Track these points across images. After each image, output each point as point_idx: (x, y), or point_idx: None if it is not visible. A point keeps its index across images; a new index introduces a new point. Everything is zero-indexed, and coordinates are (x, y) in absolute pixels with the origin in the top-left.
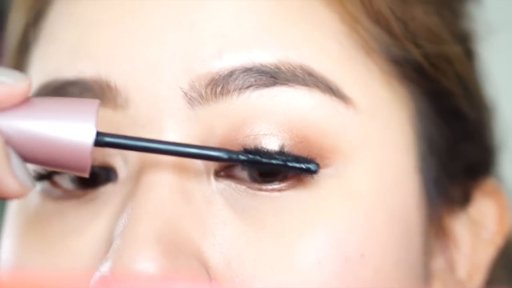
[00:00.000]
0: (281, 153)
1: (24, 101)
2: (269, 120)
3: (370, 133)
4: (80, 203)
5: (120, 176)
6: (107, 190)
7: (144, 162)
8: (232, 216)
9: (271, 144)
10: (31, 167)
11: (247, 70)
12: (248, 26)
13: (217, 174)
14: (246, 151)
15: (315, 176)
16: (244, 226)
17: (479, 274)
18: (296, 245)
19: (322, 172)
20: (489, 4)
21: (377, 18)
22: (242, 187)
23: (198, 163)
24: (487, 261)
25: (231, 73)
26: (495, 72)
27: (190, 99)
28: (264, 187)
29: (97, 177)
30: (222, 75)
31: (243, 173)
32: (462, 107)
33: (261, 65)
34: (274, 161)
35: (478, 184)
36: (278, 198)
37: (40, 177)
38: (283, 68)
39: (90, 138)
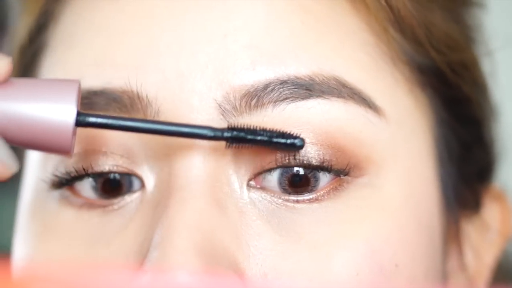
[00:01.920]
0: (265, 129)
1: (4, 82)
2: (306, 130)
3: (399, 142)
4: (105, 213)
5: (147, 185)
6: (134, 200)
7: (173, 171)
8: (266, 227)
9: (311, 153)
10: (51, 173)
11: (282, 83)
12: (280, 37)
13: (249, 185)
14: (230, 128)
15: (350, 185)
16: (280, 237)
17: (486, 273)
18: (333, 257)
19: (357, 181)
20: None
21: (403, 27)
22: (279, 200)
23: (230, 172)
24: (492, 261)
25: (266, 86)
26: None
27: (223, 111)
28: (300, 198)
29: (119, 186)
30: (257, 88)
31: (274, 183)
32: (477, 113)
33: (296, 77)
34: (259, 137)
35: (487, 188)
36: (314, 209)
37: (60, 184)
38: (317, 80)
39: (71, 118)
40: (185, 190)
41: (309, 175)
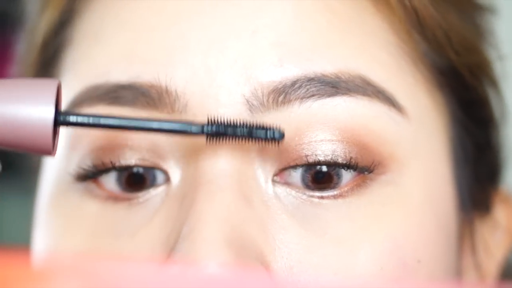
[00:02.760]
0: (244, 123)
1: None
2: (332, 127)
3: (420, 141)
4: (130, 206)
5: (173, 179)
6: (159, 193)
7: (200, 166)
8: (291, 221)
9: (337, 151)
10: (76, 165)
11: (310, 80)
12: (307, 35)
13: (274, 180)
14: (210, 123)
15: (373, 182)
16: (305, 232)
17: (495, 271)
18: (358, 252)
19: (380, 178)
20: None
21: (424, 28)
22: (304, 196)
23: (256, 167)
24: (502, 259)
25: (293, 83)
26: None
27: (251, 106)
28: (324, 194)
29: (143, 180)
30: (285, 84)
31: (297, 179)
32: (490, 114)
33: (322, 75)
34: (239, 132)
35: (496, 190)
36: (339, 205)
37: (85, 177)
38: (343, 77)
39: (50, 118)
40: (212, 183)
41: (332, 172)
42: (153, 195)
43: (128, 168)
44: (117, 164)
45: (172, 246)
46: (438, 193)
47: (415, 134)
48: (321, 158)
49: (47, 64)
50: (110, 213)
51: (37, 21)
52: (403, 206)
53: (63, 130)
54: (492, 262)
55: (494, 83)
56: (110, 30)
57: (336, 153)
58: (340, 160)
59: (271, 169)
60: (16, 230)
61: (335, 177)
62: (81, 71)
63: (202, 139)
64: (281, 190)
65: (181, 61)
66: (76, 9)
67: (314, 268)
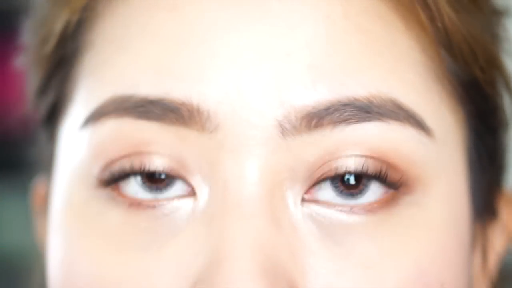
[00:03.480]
0: None
1: None
2: (363, 147)
3: (443, 160)
4: (155, 217)
5: (199, 195)
6: (183, 207)
7: (229, 186)
8: (319, 244)
9: (368, 165)
10: (96, 172)
11: (344, 105)
12: (339, 58)
13: (302, 199)
14: None
15: (399, 201)
16: (333, 255)
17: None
18: (386, 276)
19: (405, 199)
20: None
21: (451, 44)
22: (333, 213)
23: (285, 188)
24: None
25: (327, 108)
26: None
27: (283, 129)
28: (352, 203)
29: (165, 181)
30: (318, 109)
31: (326, 191)
32: (503, 121)
33: (355, 99)
34: None
35: (501, 193)
36: (366, 224)
37: (108, 182)
38: (375, 102)
39: None
40: (243, 207)
41: (360, 177)
42: (178, 207)
43: (153, 173)
44: (143, 168)
45: (200, 270)
46: (459, 211)
47: (440, 154)
48: (351, 169)
49: (63, 61)
50: (133, 224)
51: (51, 14)
52: (427, 228)
53: (83, 137)
54: (494, 257)
55: (509, 88)
56: (137, 39)
57: (365, 165)
58: (369, 172)
59: (300, 190)
60: (16, 230)
61: (363, 180)
62: (105, 78)
63: (232, 157)
64: (310, 210)
65: (213, 79)
66: (97, 10)
67: None
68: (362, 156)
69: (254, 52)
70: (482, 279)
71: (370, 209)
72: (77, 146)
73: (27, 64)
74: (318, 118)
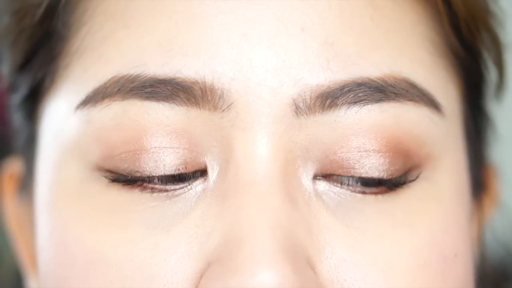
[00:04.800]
0: None
1: None
2: (377, 136)
3: (450, 135)
4: (164, 197)
5: (210, 174)
6: (194, 187)
7: (241, 164)
8: (333, 219)
9: (383, 165)
10: (92, 157)
11: (358, 85)
12: (353, 35)
13: (314, 177)
14: None
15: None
16: (347, 229)
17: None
18: (401, 247)
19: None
20: None
21: (456, 17)
22: (346, 192)
23: (297, 166)
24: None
25: (342, 88)
26: None
27: (297, 108)
28: (367, 190)
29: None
30: (333, 88)
31: (341, 181)
32: (487, 94)
33: (369, 79)
34: None
35: (487, 165)
36: (379, 200)
37: (119, 181)
38: (389, 81)
39: None
40: (258, 185)
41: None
42: (189, 188)
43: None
44: (157, 174)
45: (215, 250)
46: (463, 184)
47: (448, 130)
48: (367, 175)
49: (51, 35)
50: (141, 201)
51: None
52: (438, 201)
53: (80, 118)
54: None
55: (499, 60)
56: (142, 15)
57: (381, 168)
58: (385, 176)
59: (312, 167)
60: None
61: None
62: (106, 56)
63: (242, 134)
64: (322, 187)
65: (226, 56)
66: None
67: (360, 266)
68: (378, 152)
69: (267, 26)
70: (477, 249)
71: (380, 192)
72: (72, 126)
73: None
74: (333, 98)
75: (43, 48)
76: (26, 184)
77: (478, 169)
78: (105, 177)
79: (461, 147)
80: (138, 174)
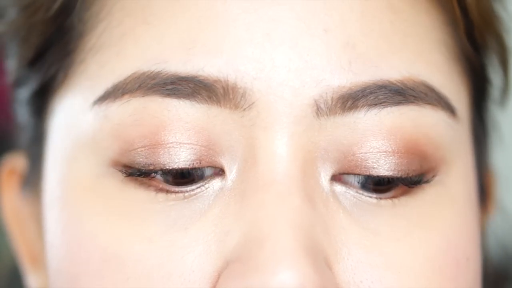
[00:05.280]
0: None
1: None
2: (396, 138)
3: (463, 140)
4: (182, 197)
5: (228, 173)
6: (211, 186)
7: (260, 162)
8: (349, 220)
9: (400, 165)
10: (109, 153)
11: (379, 88)
12: (374, 37)
13: (332, 178)
14: None
15: (426, 183)
16: (363, 230)
17: None
18: (417, 251)
19: (431, 179)
20: None
21: (469, 20)
22: (363, 193)
23: (315, 167)
24: None
25: (363, 90)
26: None
27: (318, 109)
28: (384, 192)
29: (191, 177)
30: (354, 90)
31: (357, 183)
32: (493, 97)
33: (390, 82)
34: None
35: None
36: (394, 204)
37: (133, 175)
38: (408, 84)
39: None
40: (278, 185)
41: (393, 183)
42: (206, 187)
43: (181, 170)
44: (170, 166)
45: (234, 249)
46: (472, 188)
47: (461, 134)
48: (385, 174)
49: (65, 30)
50: (160, 202)
51: None
52: (451, 205)
53: (98, 114)
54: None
55: (505, 63)
56: (164, 12)
57: (398, 168)
58: (402, 176)
59: (330, 168)
60: None
61: (394, 186)
62: (125, 53)
63: (262, 134)
64: (339, 188)
65: (249, 55)
66: None
67: (376, 268)
68: (396, 153)
69: (290, 27)
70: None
71: (395, 196)
72: (87, 122)
73: (6, 32)
74: (354, 99)
75: (56, 44)
76: (30, 180)
77: (482, 174)
78: (120, 171)
79: (470, 151)
80: (151, 167)
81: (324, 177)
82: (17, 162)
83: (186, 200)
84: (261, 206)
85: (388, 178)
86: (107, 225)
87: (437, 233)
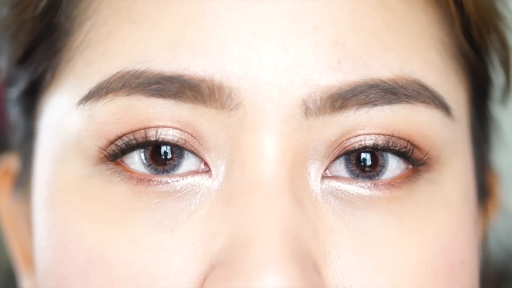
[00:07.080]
0: None
1: None
2: (391, 130)
3: (459, 139)
4: (167, 193)
5: (215, 173)
6: (198, 184)
7: (249, 164)
8: (339, 222)
9: (390, 141)
10: (93, 151)
11: (370, 87)
12: (364, 36)
13: (322, 176)
14: None
15: (420, 178)
16: (353, 232)
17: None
18: (409, 253)
19: (424, 177)
20: None
21: (466, 18)
22: (354, 190)
23: (304, 168)
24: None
25: (353, 89)
26: None
27: (307, 109)
28: (377, 180)
29: (171, 156)
30: (344, 90)
31: (343, 167)
32: (494, 96)
33: (381, 81)
34: None
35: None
36: (387, 202)
37: (111, 157)
38: (400, 83)
39: None
40: (265, 186)
41: (376, 153)
42: (192, 183)
43: (160, 143)
44: (149, 139)
45: (220, 252)
46: (470, 189)
47: (457, 134)
48: (368, 143)
49: (53, 28)
50: (143, 198)
51: None
52: (445, 206)
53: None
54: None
55: (507, 62)
56: (149, 10)
57: (386, 141)
58: (395, 148)
59: (320, 167)
60: None
61: (380, 159)
62: (111, 51)
63: (249, 134)
64: (330, 186)
65: (235, 54)
66: None
67: (366, 271)
68: (386, 135)
69: (278, 25)
70: (480, 254)
71: (393, 184)
72: (73, 122)
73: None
74: (343, 99)
75: (44, 42)
76: (22, 181)
77: (483, 174)
78: (102, 158)
79: (468, 151)
80: (134, 142)
81: (314, 177)
82: (11, 162)
83: (171, 197)
84: (248, 209)
85: (374, 146)
86: (93, 227)
87: (430, 234)
